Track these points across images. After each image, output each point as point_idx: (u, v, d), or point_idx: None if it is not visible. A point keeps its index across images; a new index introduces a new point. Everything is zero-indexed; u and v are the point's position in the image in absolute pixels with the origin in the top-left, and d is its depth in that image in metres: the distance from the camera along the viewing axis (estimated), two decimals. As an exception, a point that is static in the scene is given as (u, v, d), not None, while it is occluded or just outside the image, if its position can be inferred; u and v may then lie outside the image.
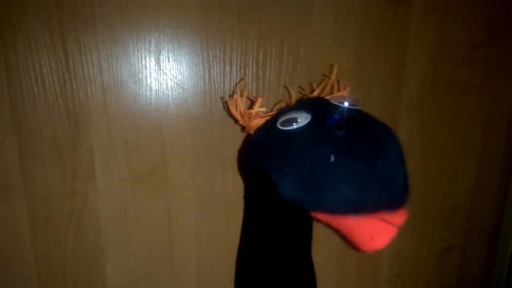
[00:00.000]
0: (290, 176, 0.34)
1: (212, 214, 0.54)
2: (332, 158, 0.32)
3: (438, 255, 0.69)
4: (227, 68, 0.49)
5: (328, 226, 0.37)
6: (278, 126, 0.37)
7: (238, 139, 0.52)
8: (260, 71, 0.50)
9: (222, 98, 0.50)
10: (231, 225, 0.54)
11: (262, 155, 0.38)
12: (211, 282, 0.57)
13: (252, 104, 0.48)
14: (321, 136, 0.34)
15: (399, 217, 0.34)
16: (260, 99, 0.42)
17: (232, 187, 0.54)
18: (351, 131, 0.34)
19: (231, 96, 0.50)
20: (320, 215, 0.35)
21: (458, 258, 0.70)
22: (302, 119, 0.36)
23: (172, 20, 0.46)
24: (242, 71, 0.50)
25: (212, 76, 0.49)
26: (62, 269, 0.51)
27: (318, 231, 0.59)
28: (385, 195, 0.32)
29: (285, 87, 0.51)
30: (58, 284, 0.51)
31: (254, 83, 0.51)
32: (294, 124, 0.36)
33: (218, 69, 0.49)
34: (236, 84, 0.50)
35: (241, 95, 0.44)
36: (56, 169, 0.48)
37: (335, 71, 0.47)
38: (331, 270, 0.63)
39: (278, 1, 0.49)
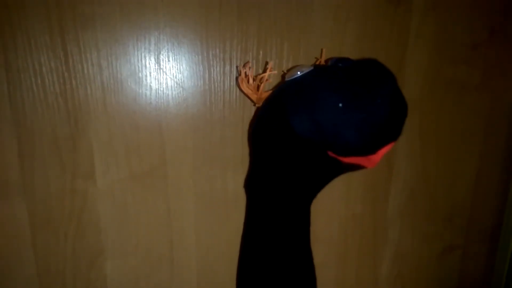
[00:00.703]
0: (305, 118, 0.37)
1: (212, 213, 0.54)
2: (340, 105, 0.35)
3: (439, 254, 0.69)
4: (227, 67, 0.49)
5: None
6: (286, 78, 0.41)
7: (238, 138, 0.52)
8: (260, 71, 0.50)
9: (237, 67, 0.50)
10: (231, 225, 0.54)
11: (276, 104, 0.41)
12: (211, 282, 0.57)
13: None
14: (326, 75, 0.38)
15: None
16: (271, 63, 0.46)
17: (232, 186, 0.54)
18: (350, 66, 0.38)
19: (239, 73, 0.50)
20: (330, 154, 0.39)
21: (458, 258, 0.70)
22: (306, 67, 0.40)
23: (172, 19, 0.46)
24: (250, 66, 0.50)
25: (212, 75, 0.49)
26: (62, 268, 0.51)
27: (318, 231, 0.59)
28: (385, 137, 0.36)
29: (283, 71, 0.52)
30: (58, 284, 0.51)
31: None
32: (299, 71, 0.39)
33: (218, 68, 0.49)
34: (229, 92, 0.50)
35: (250, 67, 0.47)
36: (56, 169, 0.47)
37: (324, 55, 0.49)
38: (331, 269, 0.63)
39: (278, 0, 0.49)
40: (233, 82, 0.50)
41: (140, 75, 0.47)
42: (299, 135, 0.38)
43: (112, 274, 0.53)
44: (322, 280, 0.61)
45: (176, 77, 0.48)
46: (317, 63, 0.50)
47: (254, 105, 0.49)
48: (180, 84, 0.49)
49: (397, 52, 0.56)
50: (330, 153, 0.38)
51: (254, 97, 0.47)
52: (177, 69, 0.48)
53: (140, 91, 0.48)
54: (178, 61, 0.48)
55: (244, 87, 0.46)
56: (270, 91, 0.45)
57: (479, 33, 0.59)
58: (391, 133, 0.37)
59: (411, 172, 0.62)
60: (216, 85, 0.50)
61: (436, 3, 0.55)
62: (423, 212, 0.65)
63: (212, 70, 0.49)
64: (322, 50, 0.50)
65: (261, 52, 0.50)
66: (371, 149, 0.37)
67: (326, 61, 0.49)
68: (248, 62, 0.50)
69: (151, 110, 0.49)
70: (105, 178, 0.49)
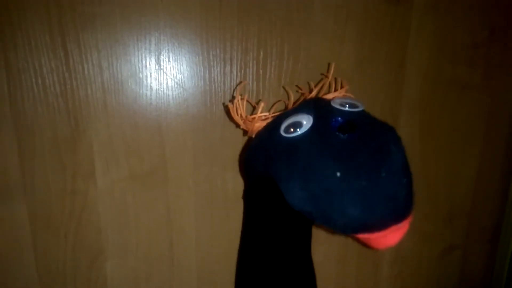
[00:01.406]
0: (298, 188, 0.34)
1: (212, 213, 0.54)
2: (338, 174, 0.31)
3: (439, 255, 0.69)
4: (228, 67, 0.49)
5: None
6: (282, 133, 0.37)
7: (238, 139, 0.52)
8: (261, 71, 0.50)
9: (223, 104, 0.49)
10: (231, 225, 0.54)
11: (267, 161, 0.38)
12: (211, 281, 0.57)
13: (253, 107, 0.49)
14: (325, 144, 0.34)
15: (407, 222, 0.34)
16: (262, 104, 0.42)
17: (232, 187, 0.54)
18: (354, 136, 0.34)
19: (231, 100, 0.49)
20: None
21: (458, 258, 0.70)
22: (305, 123, 0.36)
23: (172, 20, 0.46)
24: (242, 71, 0.50)
25: (213, 75, 0.49)
26: (62, 268, 0.51)
27: (318, 231, 0.59)
28: (391, 211, 0.32)
29: (283, 88, 0.51)
30: (58, 284, 0.51)
31: (255, 83, 0.51)
32: (298, 129, 0.36)
33: (218, 69, 0.49)
34: (236, 87, 0.50)
35: (242, 99, 0.44)
36: (56, 169, 0.47)
37: (332, 70, 0.47)
38: (331, 269, 0.63)
39: (279, 0, 0.49)
40: (234, 83, 0.50)
41: (141, 75, 0.47)
42: (290, 204, 0.34)
43: (112, 274, 0.53)
44: (322, 280, 0.61)
45: (176, 78, 0.48)
46: (324, 83, 0.48)
47: (245, 135, 0.47)
48: (181, 84, 0.49)
49: (397, 52, 0.56)
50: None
51: (245, 127, 0.44)
52: (178, 69, 0.48)
53: (141, 91, 0.48)
54: (178, 61, 0.48)
55: (234, 115, 0.44)
56: (265, 121, 0.43)
57: (479, 32, 0.58)
58: (398, 207, 0.32)
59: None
60: (216, 86, 0.50)
61: (436, 3, 0.55)
62: (423, 212, 0.65)
63: (212, 71, 0.49)
64: (329, 65, 0.48)
65: (261, 53, 0.50)
66: (379, 224, 0.32)
67: (331, 98, 0.45)
68: (244, 81, 0.49)
69: (152, 111, 0.49)
70: (105, 178, 0.49)
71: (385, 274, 0.67)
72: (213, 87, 0.49)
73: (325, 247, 0.61)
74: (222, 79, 0.49)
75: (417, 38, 0.56)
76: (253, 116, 0.43)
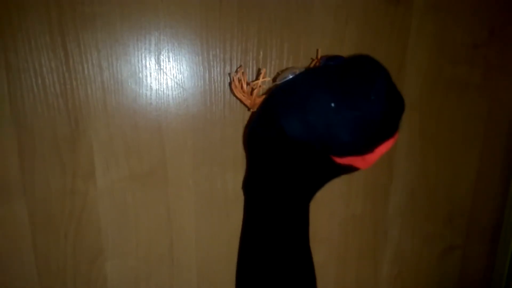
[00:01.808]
0: (296, 120, 0.36)
1: (212, 213, 0.54)
2: (333, 105, 0.34)
3: (439, 255, 0.69)
4: (228, 67, 0.49)
5: None
6: (277, 81, 0.40)
7: (238, 138, 0.52)
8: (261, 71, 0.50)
9: (229, 74, 0.50)
10: (231, 224, 0.54)
11: (268, 108, 0.40)
12: (212, 281, 0.57)
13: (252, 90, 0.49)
14: (318, 75, 0.37)
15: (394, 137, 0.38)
16: (264, 70, 0.45)
17: (232, 187, 0.54)
18: (342, 64, 0.37)
19: (234, 75, 0.50)
20: (327, 156, 0.38)
21: (458, 258, 0.70)
22: (298, 70, 0.39)
23: (172, 20, 0.46)
24: (243, 71, 0.50)
25: (212, 75, 0.49)
26: (62, 268, 0.51)
27: (318, 231, 0.59)
28: (380, 134, 0.36)
29: (278, 73, 0.52)
30: (58, 283, 0.51)
31: (254, 82, 0.51)
32: (290, 75, 0.39)
33: (218, 69, 0.49)
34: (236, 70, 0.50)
35: (243, 73, 0.46)
36: (56, 169, 0.47)
37: (319, 55, 0.49)
38: (331, 269, 0.63)
39: (279, 0, 0.49)
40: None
41: (141, 75, 0.47)
42: (291, 138, 0.37)
43: (112, 274, 0.53)
44: (322, 280, 0.61)
45: (176, 78, 0.48)
46: (313, 64, 0.50)
47: (249, 110, 0.48)
48: (181, 84, 0.49)
49: (397, 52, 0.56)
50: (325, 155, 0.38)
51: (248, 102, 0.46)
52: (178, 69, 0.48)
53: (141, 91, 0.48)
54: (178, 61, 0.48)
55: (237, 92, 0.46)
56: (264, 96, 0.45)
57: (479, 32, 0.58)
58: (387, 129, 0.36)
59: (411, 172, 0.62)
60: (216, 85, 0.50)
61: (436, 3, 0.55)
62: (423, 212, 0.65)
63: (212, 71, 0.49)
64: (317, 50, 0.50)
65: (261, 53, 0.50)
66: (368, 148, 0.36)
67: (318, 60, 0.49)
68: (240, 66, 0.50)
69: (152, 111, 0.49)
70: (105, 178, 0.49)
71: (385, 274, 0.66)
72: (213, 87, 0.49)
73: (325, 247, 0.61)
74: (222, 79, 0.49)
75: (417, 38, 0.56)
76: (255, 82, 0.45)
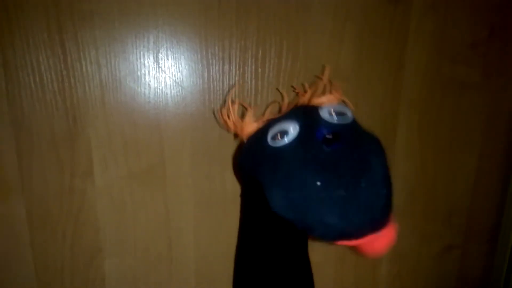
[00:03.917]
0: (279, 196, 0.35)
1: (210, 212, 0.54)
2: (319, 183, 0.32)
3: (438, 254, 0.68)
4: (226, 66, 0.49)
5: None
6: (268, 141, 0.38)
7: (237, 137, 0.52)
8: (259, 69, 0.50)
9: (212, 111, 0.50)
10: (229, 223, 0.54)
11: (255, 166, 0.39)
12: (210, 280, 0.57)
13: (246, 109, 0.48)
14: (308, 155, 0.35)
15: (389, 232, 0.35)
16: (250, 111, 0.43)
17: (231, 185, 0.54)
18: (337, 148, 0.35)
19: (222, 105, 0.49)
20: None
21: (457, 257, 0.70)
22: (291, 131, 0.37)
23: (171, 18, 0.46)
24: (241, 69, 0.50)
25: (211, 74, 0.49)
26: (60, 267, 0.51)
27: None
28: (368, 221, 0.33)
29: (278, 90, 0.51)
30: (56, 282, 0.51)
31: (253, 81, 0.50)
32: (284, 138, 0.37)
33: (217, 67, 0.49)
34: (228, 91, 0.50)
35: (233, 103, 0.44)
36: (54, 167, 0.47)
37: (327, 73, 0.47)
38: (330, 269, 0.63)
39: (277, -1, 0.49)
40: (232, 81, 0.50)
41: (139, 73, 0.47)
42: (274, 211, 0.35)
43: (110, 273, 0.53)
44: (321, 279, 0.61)
45: (175, 76, 0.48)
46: (319, 85, 0.47)
47: (235, 138, 0.48)
48: (179, 82, 0.48)
49: (397, 51, 0.56)
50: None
51: (237, 131, 0.45)
52: (176, 67, 0.48)
53: (139, 89, 0.48)
54: (177, 59, 0.48)
55: (226, 120, 0.44)
56: (257, 125, 0.43)
57: (478, 32, 0.58)
58: (377, 217, 0.33)
59: (410, 171, 0.62)
60: (215, 84, 0.49)
61: (435, 2, 0.55)
62: (422, 211, 0.65)
63: (211, 69, 0.49)
64: (325, 67, 0.49)
65: (260, 51, 0.50)
66: (356, 233, 0.33)
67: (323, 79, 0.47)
68: (235, 86, 0.49)
69: (150, 109, 0.48)
70: (104, 177, 0.49)
71: (383, 273, 0.66)
72: (211, 85, 0.49)
73: (323, 246, 0.61)
74: (221, 77, 0.49)
75: (416, 37, 0.56)
76: (242, 120, 0.43)
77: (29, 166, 0.47)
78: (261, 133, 0.41)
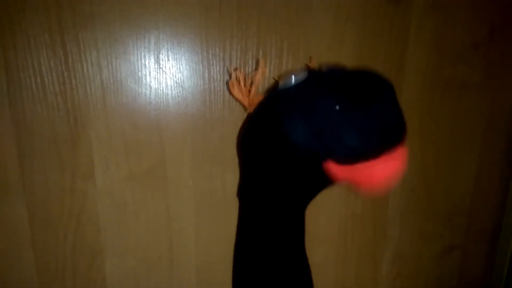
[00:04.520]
0: (301, 125, 0.36)
1: (211, 212, 0.54)
2: (337, 107, 0.34)
3: (438, 254, 0.68)
4: (227, 66, 0.49)
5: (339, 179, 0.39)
6: (279, 87, 0.40)
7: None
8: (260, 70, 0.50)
9: (228, 71, 0.50)
10: (230, 224, 0.54)
11: (268, 114, 0.40)
12: (211, 281, 0.57)
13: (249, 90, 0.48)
14: (322, 82, 0.37)
15: (401, 153, 0.37)
16: (262, 60, 0.45)
17: (232, 186, 0.54)
18: (348, 74, 0.37)
19: (230, 75, 0.50)
20: (330, 165, 0.37)
21: (458, 257, 0.70)
22: (299, 74, 0.39)
23: (171, 19, 0.46)
24: (241, 70, 0.50)
25: (212, 74, 0.49)
26: (61, 267, 0.51)
27: (318, 230, 0.59)
28: (385, 138, 0.35)
29: (273, 79, 0.52)
30: (58, 283, 0.51)
31: (254, 82, 0.51)
32: (293, 78, 0.39)
33: (217, 68, 0.49)
34: (228, 91, 0.50)
35: (241, 73, 0.46)
36: (55, 168, 0.47)
37: (313, 62, 0.49)
38: (330, 269, 0.63)
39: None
40: (233, 82, 0.50)
41: (140, 74, 0.47)
42: (294, 143, 0.36)
43: (111, 274, 0.53)
44: (322, 280, 0.61)
45: (175, 77, 0.48)
46: (310, 63, 0.50)
47: (245, 110, 0.48)
48: (180, 83, 0.49)
49: (397, 51, 0.56)
50: (327, 163, 0.37)
51: (245, 101, 0.46)
52: (177, 68, 0.48)
53: (140, 90, 0.48)
54: (177, 60, 0.48)
55: (235, 92, 0.46)
56: (261, 96, 0.45)
57: (479, 32, 0.58)
58: (390, 136, 0.35)
59: (411, 171, 0.62)
60: (215, 85, 0.49)
61: (435, 3, 0.55)
62: (423, 211, 0.65)
63: (211, 70, 0.49)
64: (310, 57, 0.51)
65: (260, 52, 0.50)
66: (374, 150, 0.35)
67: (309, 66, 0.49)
68: (237, 68, 0.49)
69: (151, 110, 0.49)
70: (105, 178, 0.49)
71: (384, 274, 0.66)
72: (212, 86, 0.49)
73: (324, 246, 0.61)
74: (222, 78, 0.49)
75: (417, 37, 0.56)
76: (252, 78, 0.45)
77: (31, 167, 0.47)
78: (270, 91, 0.43)
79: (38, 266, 0.50)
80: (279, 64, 0.51)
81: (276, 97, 0.40)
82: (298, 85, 0.38)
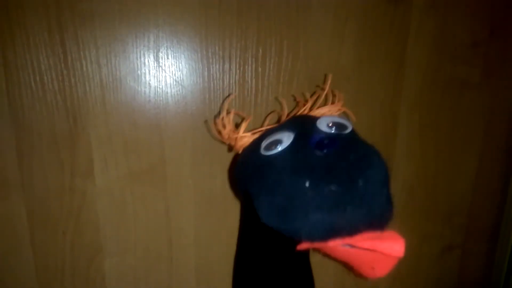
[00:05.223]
0: (265, 203, 0.33)
1: (211, 212, 0.54)
2: (307, 184, 0.30)
3: (438, 254, 0.68)
4: (226, 65, 0.49)
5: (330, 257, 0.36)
6: (261, 151, 0.37)
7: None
8: (260, 69, 0.50)
9: (205, 122, 0.49)
10: (230, 223, 0.54)
11: (246, 177, 0.38)
12: (210, 280, 0.57)
13: (242, 119, 0.47)
14: (300, 159, 0.33)
15: (397, 247, 0.32)
16: (244, 124, 0.42)
17: (231, 185, 0.54)
18: (332, 152, 0.33)
19: (216, 116, 0.49)
20: (304, 244, 0.33)
21: (457, 257, 0.70)
22: (284, 140, 0.36)
23: (171, 17, 0.46)
24: (241, 68, 0.50)
25: (211, 73, 0.49)
26: (60, 266, 0.51)
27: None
28: (363, 213, 0.31)
29: (276, 98, 0.51)
30: (57, 282, 0.51)
31: (254, 80, 0.50)
32: (277, 147, 0.35)
33: (217, 66, 0.49)
34: (224, 100, 0.49)
35: (228, 113, 0.43)
36: (55, 167, 0.47)
37: (329, 82, 0.46)
38: (330, 269, 0.63)
39: (278, -2, 0.49)
40: (233, 80, 0.50)
41: (139, 72, 0.47)
42: (264, 222, 0.34)
43: (110, 272, 0.53)
44: (322, 279, 0.61)
45: (175, 75, 0.48)
46: (320, 94, 0.46)
47: (229, 151, 0.48)
48: (179, 81, 0.48)
49: (397, 51, 0.56)
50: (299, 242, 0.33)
51: (232, 144, 0.44)
52: (176, 66, 0.48)
53: (139, 89, 0.48)
54: (177, 58, 0.48)
55: (220, 131, 0.44)
56: (252, 136, 0.42)
57: (479, 31, 0.58)
58: (374, 213, 0.31)
59: (410, 171, 0.62)
60: (215, 83, 0.49)
61: (435, 2, 0.55)
62: (422, 211, 0.65)
63: (211, 68, 0.49)
64: (326, 76, 0.48)
65: (260, 50, 0.50)
66: (347, 228, 0.30)
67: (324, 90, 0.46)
68: (231, 95, 0.49)
69: (150, 108, 0.48)
70: (104, 176, 0.49)
71: (384, 273, 0.66)
72: (211, 85, 0.49)
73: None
74: (221, 77, 0.49)
75: (417, 37, 0.56)
76: (236, 132, 0.42)
77: (30, 166, 0.47)
78: (256, 144, 0.39)
79: (37, 265, 0.50)
80: (278, 62, 0.51)
81: (255, 164, 0.37)
82: (276, 157, 0.35)
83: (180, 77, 0.48)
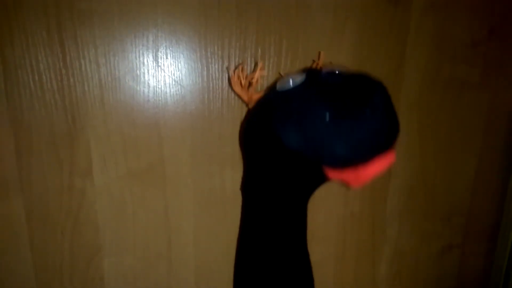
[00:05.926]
0: (293, 131, 0.37)
1: (210, 211, 0.54)
2: (327, 117, 0.34)
3: (437, 253, 0.68)
4: (226, 65, 0.49)
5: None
6: (277, 88, 0.41)
7: (236, 136, 0.52)
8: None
9: (227, 68, 0.50)
10: (229, 222, 0.54)
11: (265, 115, 0.41)
12: (209, 279, 0.57)
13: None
14: (315, 91, 0.37)
15: (391, 154, 0.38)
16: (261, 63, 0.46)
17: (231, 184, 0.54)
18: (341, 80, 0.38)
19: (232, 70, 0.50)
20: (323, 167, 0.38)
21: (457, 257, 0.70)
22: (298, 77, 0.40)
23: (170, 16, 0.46)
24: (243, 67, 0.50)
25: (211, 72, 0.49)
26: (59, 266, 0.51)
27: (317, 229, 0.59)
28: (374, 146, 0.36)
29: (280, 74, 0.52)
30: (55, 281, 0.51)
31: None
32: (291, 82, 0.39)
33: (216, 66, 0.49)
34: (227, 90, 0.50)
35: (242, 69, 0.47)
36: (53, 166, 0.47)
37: (322, 57, 0.49)
38: (330, 268, 0.63)
39: (277, -3, 0.49)
40: (232, 80, 0.50)
41: (138, 72, 0.47)
42: (288, 148, 0.37)
43: (109, 272, 0.53)
44: (321, 279, 0.61)
45: (174, 75, 0.48)
46: (314, 65, 0.50)
47: (246, 106, 0.49)
48: (178, 81, 0.48)
49: (397, 50, 0.56)
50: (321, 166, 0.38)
51: (245, 98, 0.47)
52: (175, 66, 0.48)
53: (138, 88, 0.47)
54: (176, 58, 0.48)
55: (236, 88, 0.47)
56: (261, 93, 0.45)
57: (478, 31, 0.58)
58: (380, 144, 0.36)
59: (409, 170, 0.62)
60: (214, 83, 0.49)
61: (435, 2, 0.55)
62: (421, 211, 0.65)
63: (210, 68, 0.49)
64: (320, 53, 0.50)
65: (259, 50, 0.50)
66: (359, 159, 0.36)
67: (320, 67, 0.49)
68: (241, 63, 0.49)
69: (149, 108, 0.48)
70: (103, 176, 0.49)
71: (383, 273, 0.66)
72: (211, 85, 0.49)
73: (323, 245, 0.61)
74: (220, 76, 0.49)
75: (416, 36, 0.56)
76: (251, 76, 0.46)
77: (28, 165, 0.47)
78: (268, 90, 0.43)
79: (36, 264, 0.50)
80: (278, 62, 0.51)
81: (272, 100, 0.41)
82: (294, 89, 0.39)
83: (179, 76, 0.48)
